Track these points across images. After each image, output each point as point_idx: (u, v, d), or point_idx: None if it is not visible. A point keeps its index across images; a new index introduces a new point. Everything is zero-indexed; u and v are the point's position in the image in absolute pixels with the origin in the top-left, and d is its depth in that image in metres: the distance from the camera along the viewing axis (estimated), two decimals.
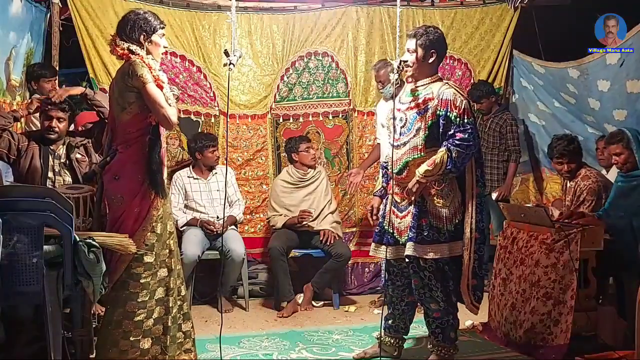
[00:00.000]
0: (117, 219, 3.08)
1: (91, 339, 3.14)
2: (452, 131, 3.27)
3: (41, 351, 2.72)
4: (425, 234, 3.32)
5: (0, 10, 4.11)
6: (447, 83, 3.40)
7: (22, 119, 4.11)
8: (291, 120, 5.40)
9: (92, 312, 3.30)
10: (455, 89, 3.33)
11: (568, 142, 4.26)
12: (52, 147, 3.85)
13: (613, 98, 4.63)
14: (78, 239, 2.72)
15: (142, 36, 3.07)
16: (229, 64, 3.10)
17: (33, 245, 2.58)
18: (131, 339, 3.02)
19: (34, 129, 4.28)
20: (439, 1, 5.57)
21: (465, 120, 3.27)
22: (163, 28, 3.17)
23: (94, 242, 2.76)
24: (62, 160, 3.86)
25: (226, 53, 3.12)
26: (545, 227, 3.73)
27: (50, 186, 3.71)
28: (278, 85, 5.37)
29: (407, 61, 3.34)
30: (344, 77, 5.43)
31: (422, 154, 3.35)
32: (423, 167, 3.29)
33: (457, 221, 3.34)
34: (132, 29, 3.07)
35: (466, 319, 4.06)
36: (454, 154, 3.23)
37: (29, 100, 4.01)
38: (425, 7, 5.53)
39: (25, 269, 2.56)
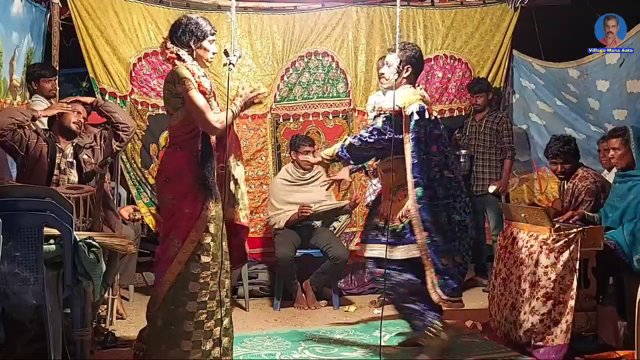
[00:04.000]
0: (169, 219, 3.08)
1: (92, 339, 3.14)
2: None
3: (41, 351, 2.73)
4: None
5: (2, 11, 4.12)
6: (404, 88, 3.54)
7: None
8: (291, 120, 5.40)
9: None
10: (409, 93, 3.49)
11: (563, 143, 4.26)
12: (60, 146, 3.86)
13: (613, 98, 4.64)
14: (78, 239, 2.72)
15: (192, 40, 3.07)
16: (229, 64, 3.10)
17: (33, 245, 2.59)
18: (193, 339, 2.98)
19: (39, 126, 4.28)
20: (439, 1, 5.57)
21: (380, 121, 3.50)
22: (214, 34, 3.15)
23: (94, 242, 2.76)
24: (68, 159, 3.86)
25: (226, 53, 3.11)
26: (545, 227, 3.73)
27: (54, 184, 3.71)
28: (278, 85, 5.37)
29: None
30: (344, 77, 5.43)
31: None
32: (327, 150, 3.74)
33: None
34: (184, 33, 3.06)
35: (466, 319, 4.07)
36: (345, 142, 3.57)
37: (68, 99, 4.03)
38: (425, 7, 5.53)
39: (25, 269, 2.56)
